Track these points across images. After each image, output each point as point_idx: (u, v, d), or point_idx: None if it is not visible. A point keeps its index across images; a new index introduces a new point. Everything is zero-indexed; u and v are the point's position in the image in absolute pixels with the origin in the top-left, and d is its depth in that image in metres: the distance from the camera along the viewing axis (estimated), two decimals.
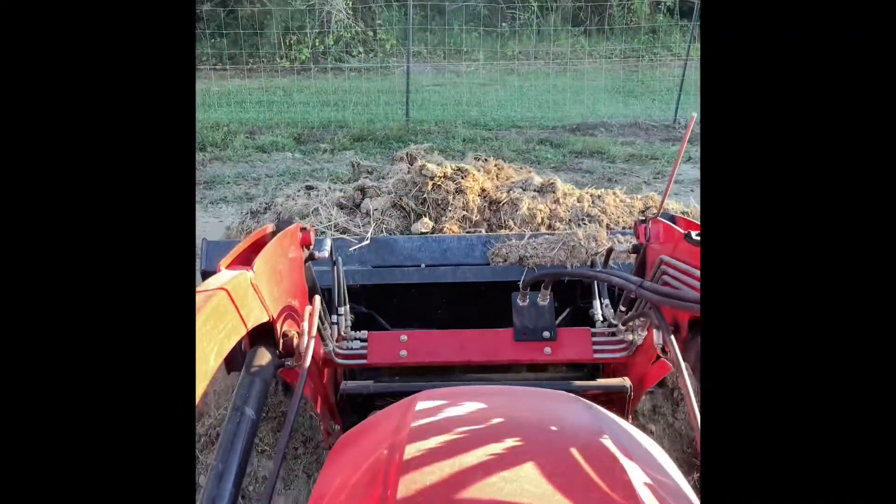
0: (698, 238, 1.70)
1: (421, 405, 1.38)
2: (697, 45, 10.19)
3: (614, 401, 2.19)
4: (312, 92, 10.67)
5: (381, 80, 11.47)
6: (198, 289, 1.32)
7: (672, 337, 1.71)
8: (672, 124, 9.59)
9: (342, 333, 2.39)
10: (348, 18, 12.61)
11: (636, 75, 11.56)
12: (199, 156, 7.81)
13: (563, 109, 10.14)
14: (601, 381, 2.38)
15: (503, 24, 12.64)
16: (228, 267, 1.56)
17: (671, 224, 2.04)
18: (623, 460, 1.12)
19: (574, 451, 1.14)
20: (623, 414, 2.09)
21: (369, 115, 9.71)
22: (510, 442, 1.19)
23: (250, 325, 1.48)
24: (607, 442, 1.18)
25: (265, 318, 1.59)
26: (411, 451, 1.15)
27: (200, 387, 1.13)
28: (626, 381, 2.25)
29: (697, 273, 1.71)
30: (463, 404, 1.45)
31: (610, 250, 2.60)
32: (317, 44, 12.26)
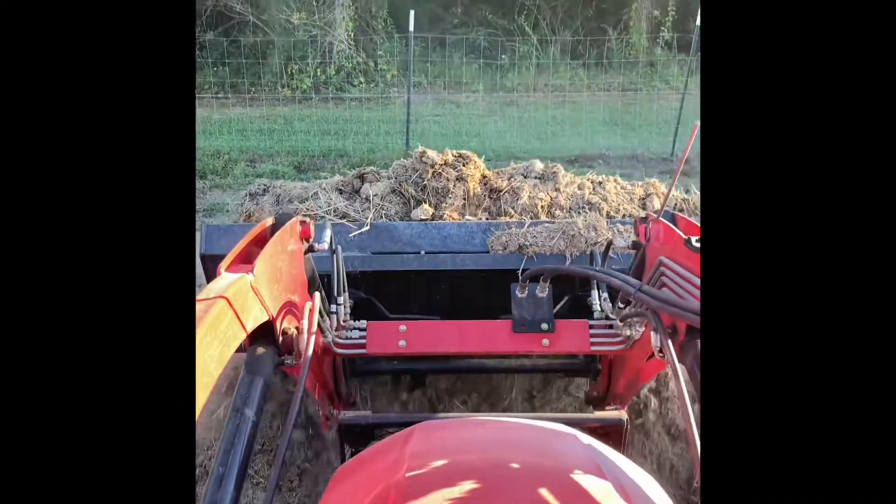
0: (698, 245, 1.70)
1: (418, 438, 1.38)
2: (695, 78, 10.29)
3: (611, 434, 2.18)
4: (313, 121, 10.74)
5: (381, 109, 11.56)
6: (198, 297, 1.32)
7: (669, 341, 1.71)
8: (670, 157, 9.65)
9: (341, 323, 2.39)
10: (350, 49, 12.75)
11: (634, 108, 11.65)
12: (199, 183, 7.83)
13: (561, 141, 10.20)
14: (598, 415, 2.38)
15: (503, 56, 12.78)
16: (229, 268, 1.55)
17: (671, 226, 2.04)
18: (618, 499, 1.11)
19: (569, 489, 1.14)
20: (620, 447, 2.08)
21: (369, 144, 9.76)
22: (506, 478, 1.19)
23: (250, 329, 1.47)
24: (603, 479, 1.18)
25: (265, 318, 1.58)
26: (409, 485, 1.14)
27: (201, 397, 1.13)
28: (622, 415, 2.24)
29: (695, 279, 1.71)
30: (459, 438, 1.45)
31: (609, 243, 2.60)
32: (318, 73, 12.37)
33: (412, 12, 8.88)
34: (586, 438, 1.41)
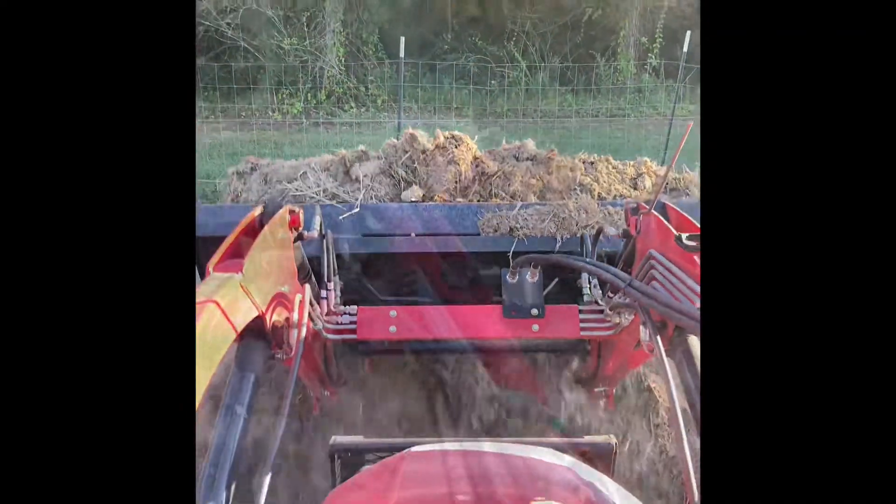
0: (689, 242, 1.69)
1: (409, 465, 1.36)
2: (682, 104, 10.42)
3: (601, 457, 2.17)
4: (304, 145, 10.76)
5: (371, 134, 11.62)
6: None
7: (658, 336, 1.69)
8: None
9: (332, 308, 2.38)
10: (341, 74, 12.84)
11: (622, 133, 11.76)
12: None
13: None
14: (587, 439, 2.37)
15: (492, 81, 12.90)
16: (217, 266, 1.53)
17: (663, 219, 2.03)
18: None
19: None
20: (608, 471, 2.07)
21: None
22: None
23: (240, 329, 1.45)
24: None
25: (255, 314, 1.56)
26: None
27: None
28: (611, 439, 2.23)
29: (684, 277, 1.70)
30: (450, 465, 1.44)
31: (600, 230, 2.60)
32: (309, 98, 12.44)
33: (402, 38, 8.97)
34: (578, 465, 1.40)
